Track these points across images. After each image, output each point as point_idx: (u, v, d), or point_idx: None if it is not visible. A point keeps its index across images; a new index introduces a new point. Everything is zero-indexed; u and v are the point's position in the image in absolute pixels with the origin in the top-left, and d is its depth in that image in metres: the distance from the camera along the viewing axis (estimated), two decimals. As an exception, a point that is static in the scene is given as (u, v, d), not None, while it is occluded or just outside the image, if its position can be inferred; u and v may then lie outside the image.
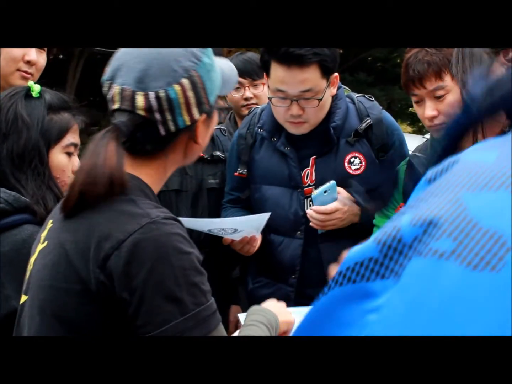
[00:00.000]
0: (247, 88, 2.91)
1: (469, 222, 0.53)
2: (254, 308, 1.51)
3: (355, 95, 2.30)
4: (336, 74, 2.14)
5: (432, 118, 1.93)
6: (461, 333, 0.49)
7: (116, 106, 1.26)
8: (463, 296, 0.50)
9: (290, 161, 2.22)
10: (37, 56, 2.17)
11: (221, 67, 1.38)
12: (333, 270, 1.94)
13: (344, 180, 2.17)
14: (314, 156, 2.21)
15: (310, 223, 2.16)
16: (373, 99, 2.32)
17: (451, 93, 1.90)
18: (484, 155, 0.59)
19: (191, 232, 2.04)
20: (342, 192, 2.15)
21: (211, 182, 2.46)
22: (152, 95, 1.22)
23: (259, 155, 2.31)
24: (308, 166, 2.22)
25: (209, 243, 2.27)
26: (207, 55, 1.30)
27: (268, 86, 2.17)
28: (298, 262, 2.23)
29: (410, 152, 2.23)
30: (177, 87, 1.24)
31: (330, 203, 2.11)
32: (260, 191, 2.30)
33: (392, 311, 0.55)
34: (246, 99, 2.91)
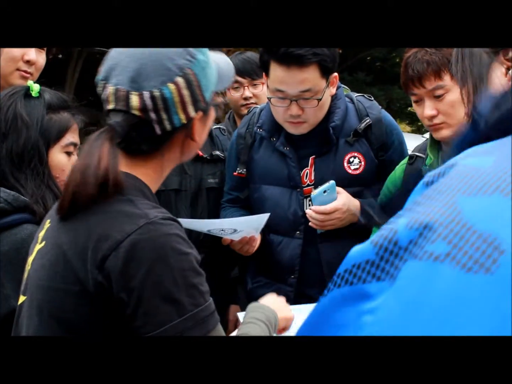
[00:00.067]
0: (246, 87, 2.91)
1: (464, 226, 0.54)
2: (253, 305, 1.50)
3: (354, 95, 2.30)
4: (336, 74, 2.14)
5: (431, 118, 1.94)
6: (457, 334, 0.50)
7: (110, 106, 1.25)
8: (458, 298, 0.51)
9: (289, 161, 2.22)
10: (37, 56, 2.17)
11: (217, 62, 1.37)
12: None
13: (344, 180, 2.18)
14: (313, 156, 2.21)
15: (310, 223, 2.16)
16: (372, 98, 2.32)
17: (450, 92, 1.90)
18: (481, 160, 0.60)
19: (190, 232, 2.04)
20: (341, 192, 2.15)
21: (210, 181, 2.46)
22: (146, 94, 1.22)
23: (258, 155, 2.31)
24: (308, 166, 2.22)
25: (209, 243, 2.27)
26: (202, 52, 1.29)
27: (268, 86, 2.16)
28: (297, 262, 2.23)
29: (409, 152, 2.23)
30: (171, 86, 1.23)
31: (329, 203, 2.11)
32: (259, 191, 2.30)
33: (387, 313, 0.56)
34: (246, 98, 2.91)
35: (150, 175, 1.31)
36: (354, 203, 2.18)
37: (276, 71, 2.05)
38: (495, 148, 0.63)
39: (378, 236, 0.60)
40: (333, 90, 2.17)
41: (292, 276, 2.25)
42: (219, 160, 2.50)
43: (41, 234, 1.33)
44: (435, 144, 2.05)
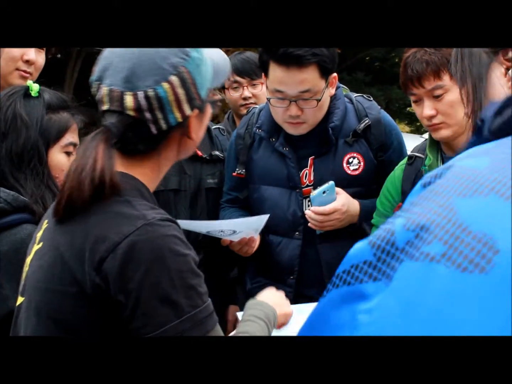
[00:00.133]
0: (245, 87, 2.91)
1: (459, 226, 0.54)
2: (252, 303, 1.50)
3: (354, 95, 2.30)
4: (335, 74, 2.14)
5: (431, 118, 1.94)
6: (453, 333, 0.50)
7: (105, 107, 1.25)
8: (454, 298, 0.52)
9: (288, 161, 2.22)
10: (36, 56, 2.17)
11: (212, 58, 1.35)
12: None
13: (343, 181, 2.18)
14: (313, 157, 2.21)
15: (309, 224, 2.16)
16: (372, 99, 2.32)
17: (450, 92, 1.90)
18: (477, 161, 0.61)
19: (189, 232, 2.04)
20: (340, 193, 2.15)
21: (209, 181, 2.45)
22: (141, 94, 1.21)
23: (257, 155, 2.31)
24: (307, 167, 2.22)
25: (208, 243, 2.27)
26: (196, 49, 1.28)
27: (267, 87, 2.16)
28: (296, 263, 2.23)
29: (408, 152, 2.23)
30: (166, 85, 1.22)
31: (328, 204, 2.11)
32: (259, 191, 2.30)
33: (384, 313, 0.56)
34: (245, 98, 2.91)
35: (148, 174, 1.30)
36: (354, 204, 2.18)
37: (276, 71, 2.05)
38: (491, 149, 0.64)
39: (375, 236, 0.61)
40: (332, 91, 2.17)
41: (291, 277, 2.25)
42: (218, 160, 2.50)
43: (39, 234, 1.32)
44: (435, 144, 2.05)
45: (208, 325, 1.17)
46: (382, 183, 2.17)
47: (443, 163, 1.98)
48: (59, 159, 1.73)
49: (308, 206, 2.20)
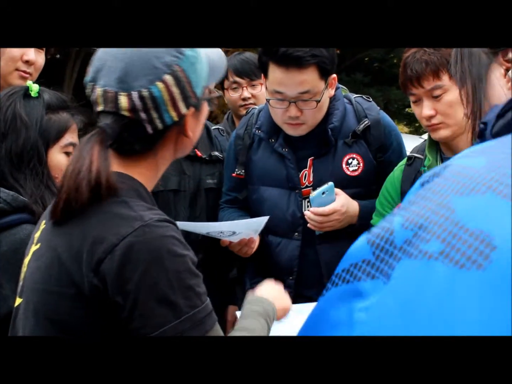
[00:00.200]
0: (245, 88, 2.92)
1: (457, 224, 0.55)
2: (251, 298, 1.49)
3: (353, 96, 2.31)
4: (334, 75, 2.14)
5: (430, 118, 1.94)
6: (452, 329, 0.51)
7: (100, 108, 1.24)
8: (452, 294, 0.52)
9: (288, 162, 2.22)
10: (36, 56, 2.17)
11: (208, 55, 1.34)
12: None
13: (342, 181, 2.18)
14: (312, 157, 2.21)
15: (308, 225, 2.16)
16: (371, 99, 2.32)
17: (449, 92, 1.91)
18: (474, 160, 0.62)
19: (189, 232, 2.04)
20: (340, 194, 2.15)
21: (209, 182, 2.45)
22: (135, 94, 1.20)
23: (256, 156, 2.31)
24: (306, 167, 2.22)
25: (207, 244, 2.27)
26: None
27: (266, 88, 2.16)
28: (295, 263, 2.23)
29: (407, 153, 2.24)
30: (160, 84, 1.21)
31: (328, 205, 2.11)
32: (258, 192, 2.30)
33: (382, 312, 0.57)
34: (244, 99, 2.91)
35: (145, 174, 1.30)
36: (353, 205, 2.18)
37: (275, 72, 2.05)
38: (488, 148, 0.64)
39: (374, 235, 0.61)
40: (331, 92, 2.17)
41: (291, 277, 2.25)
42: (218, 161, 2.50)
43: (37, 235, 1.32)
44: (434, 145, 2.05)
45: (207, 324, 1.17)
46: (381, 183, 2.17)
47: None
48: (59, 159, 1.73)
49: (308, 207, 2.20)
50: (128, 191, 1.23)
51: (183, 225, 2.01)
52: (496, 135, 0.69)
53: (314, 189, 2.15)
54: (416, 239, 0.58)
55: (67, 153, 1.74)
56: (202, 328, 1.16)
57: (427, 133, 2.09)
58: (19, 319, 1.29)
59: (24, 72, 2.14)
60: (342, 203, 2.13)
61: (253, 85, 2.92)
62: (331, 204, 2.11)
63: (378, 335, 0.56)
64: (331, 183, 2.11)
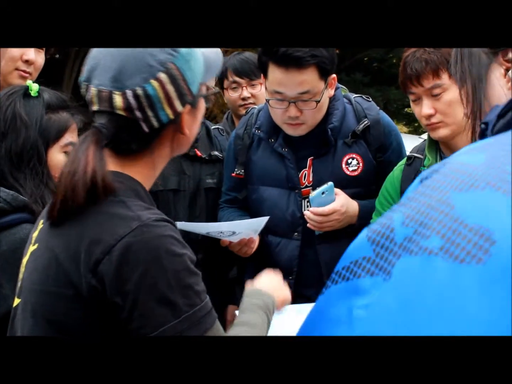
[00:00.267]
0: (244, 88, 2.92)
1: (456, 220, 0.56)
2: (251, 290, 1.48)
3: (353, 96, 2.31)
4: (334, 75, 2.14)
5: (429, 117, 1.94)
6: (453, 324, 0.51)
7: (95, 108, 1.23)
8: (453, 289, 0.53)
9: (287, 162, 2.22)
10: (36, 56, 2.17)
11: (203, 52, 1.33)
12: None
13: (342, 181, 2.18)
14: (312, 157, 2.22)
15: (308, 224, 2.16)
16: (370, 99, 2.32)
17: (448, 91, 1.91)
18: (473, 157, 0.62)
19: (189, 232, 2.04)
20: (339, 194, 2.15)
21: (209, 182, 2.45)
22: (129, 93, 1.19)
23: (256, 156, 2.31)
24: (306, 167, 2.22)
25: (207, 243, 2.27)
26: None
27: (266, 88, 2.16)
28: (295, 263, 2.23)
29: (407, 152, 2.24)
30: (154, 82, 1.20)
31: (327, 205, 2.11)
32: (258, 192, 2.30)
33: (383, 309, 0.57)
34: (244, 98, 2.91)
35: (143, 172, 1.29)
36: (352, 205, 2.18)
37: (275, 73, 2.05)
38: (487, 146, 0.65)
39: (375, 232, 0.62)
40: (331, 92, 2.17)
41: (290, 277, 2.25)
42: (217, 161, 2.50)
43: (35, 235, 1.31)
44: (434, 145, 2.05)
45: (207, 322, 1.17)
46: (381, 183, 2.17)
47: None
48: (59, 159, 1.72)
49: (307, 206, 2.20)
50: (126, 191, 1.23)
51: (183, 225, 2.01)
52: (496, 133, 0.69)
53: (313, 189, 2.15)
54: (416, 236, 0.58)
55: (67, 153, 1.74)
56: (202, 326, 1.16)
57: (426, 133, 2.09)
58: (17, 320, 1.29)
59: (24, 71, 2.14)
60: (342, 203, 2.13)
61: (253, 85, 2.92)
62: (330, 204, 2.11)
63: (378, 331, 0.57)
64: (330, 183, 2.11)
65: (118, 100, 1.20)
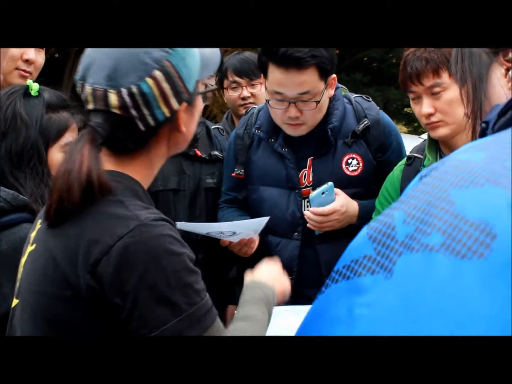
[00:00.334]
0: (244, 87, 2.92)
1: (457, 216, 0.56)
2: (251, 282, 1.47)
3: (353, 96, 2.31)
4: (334, 75, 2.14)
5: (429, 116, 1.94)
6: (455, 319, 0.51)
7: (90, 106, 1.23)
8: (454, 284, 0.53)
9: (287, 162, 2.22)
10: (36, 55, 2.17)
11: (200, 49, 1.32)
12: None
13: (342, 181, 2.18)
14: (312, 157, 2.22)
15: (308, 224, 2.16)
16: (370, 99, 2.32)
17: (448, 90, 1.91)
18: (473, 155, 0.62)
19: (188, 232, 2.04)
20: (339, 194, 2.15)
21: (209, 181, 2.45)
22: (124, 91, 1.18)
23: (256, 156, 2.31)
24: (306, 167, 2.22)
25: (207, 243, 2.27)
26: None
27: (266, 88, 2.16)
28: (295, 263, 2.23)
29: (407, 152, 2.24)
30: (149, 80, 1.19)
31: (327, 205, 2.11)
32: (258, 192, 2.30)
33: (385, 306, 0.57)
34: (244, 98, 2.91)
35: (140, 171, 1.28)
36: (352, 205, 2.18)
37: (275, 73, 2.05)
38: (487, 143, 0.65)
39: (376, 230, 0.62)
40: (331, 92, 2.17)
41: (290, 277, 2.23)
42: (217, 160, 2.50)
43: (33, 235, 1.31)
44: (434, 144, 2.05)
45: (208, 320, 1.17)
46: (381, 183, 2.17)
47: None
48: (59, 158, 1.72)
49: (307, 206, 2.20)
50: (124, 190, 1.22)
51: (183, 225, 2.01)
52: (497, 131, 0.69)
53: (313, 189, 2.15)
54: (417, 233, 0.58)
55: (67, 152, 1.74)
56: (203, 324, 1.15)
57: (426, 133, 2.09)
58: (15, 320, 1.29)
59: (24, 71, 2.14)
60: (342, 203, 2.13)
61: (253, 85, 2.92)
62: (330, 204, 2.11)
63: (380, 329, 0.57)
64: (330, 183, 2.11)
65: (113, 98, 1.19)
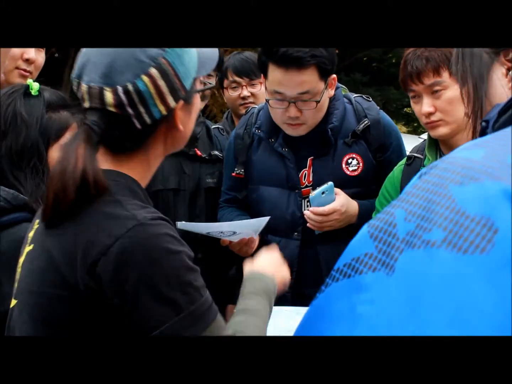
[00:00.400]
0: (244, 87, 2.92)
1: (458, 212, 0.56)
2: (251, 274, 1.46)
3: (353, 95, 2.31)
4: (334, 75, 2.14)
5: (429, 115, 1.94)
6: (458, 314, 0.51)
7: (86, 105, 1.22)
8: (457, 279, 0.53)
9: (287, 162, 2.22)
10: (36, 55, 2.17)
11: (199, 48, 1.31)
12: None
13: (342, 181, 2.18)
14: (312, 157, 2.22)
15: (308, 224, 2.16)
16: (371, 99, 2.32)
17: (449, 89, 1.91)
18: (471, 153, 0.62)
19: (189, 232, 2.04)
20: (339, 193, 2.15)
21: (209, 181, 2.46)
22: (120, 89, 1.17)
23: (256, 156, 2.31)
24: (306, 167, 2.23)
25: (207, 243, 2.27)
26: None
27: (266, 88, 2.16)
28: (295, 263, 2.23)
29: (406, 152, 2.24)
30: (145, 78, 1.18)
31: (327, 204, 2.11)
32: (258, 191, 2.30)
33: (389, 303, 0.57)
34: (244, 98, 2.92)
35: (138, 170, 1.27)
36: (352, 205, 2.18)
37: (275, 73, 2.05)
38: (487, 141, 0.65)
39: (377, 229, 0.62)
40: (331, 92, 2.17)
41: (291, 277, 2.24)
42: (217, 160, 2.50)
43: (31, 235, 1.30)
44: (434, 144, 2.05)
45: (209, 317, 1.16)
46: (381, 183, 2.17)
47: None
48: (59, 158, 1.72)
49: (307, 206, 2.20)
50: (121, 190, 1.21)
51: (183, 225, 2.01)
52: (497, 130, 0.69)
53: (313, 189, 2.15)
54: (418, 230, 0.58)
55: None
56: (204, 321, 1.15)
57: (425, 133, 2.09)
58: (14, 321, 1.28)
59: (24, 70, 2.14)
60: (342, 203, 2.13)
61: (253, 84, 2.93)
62: (330, 204, 2.12)
63: (384, 326, 0.57)
64: (330, 183, 2.11)
65: (108, 96, 1.18)
